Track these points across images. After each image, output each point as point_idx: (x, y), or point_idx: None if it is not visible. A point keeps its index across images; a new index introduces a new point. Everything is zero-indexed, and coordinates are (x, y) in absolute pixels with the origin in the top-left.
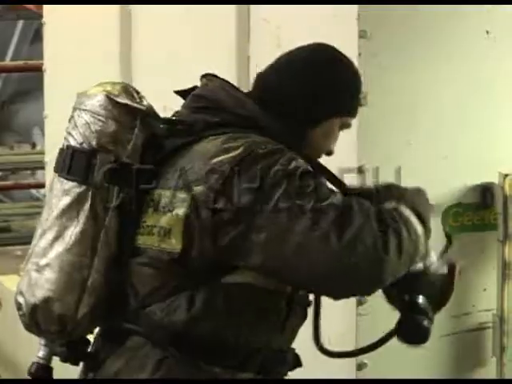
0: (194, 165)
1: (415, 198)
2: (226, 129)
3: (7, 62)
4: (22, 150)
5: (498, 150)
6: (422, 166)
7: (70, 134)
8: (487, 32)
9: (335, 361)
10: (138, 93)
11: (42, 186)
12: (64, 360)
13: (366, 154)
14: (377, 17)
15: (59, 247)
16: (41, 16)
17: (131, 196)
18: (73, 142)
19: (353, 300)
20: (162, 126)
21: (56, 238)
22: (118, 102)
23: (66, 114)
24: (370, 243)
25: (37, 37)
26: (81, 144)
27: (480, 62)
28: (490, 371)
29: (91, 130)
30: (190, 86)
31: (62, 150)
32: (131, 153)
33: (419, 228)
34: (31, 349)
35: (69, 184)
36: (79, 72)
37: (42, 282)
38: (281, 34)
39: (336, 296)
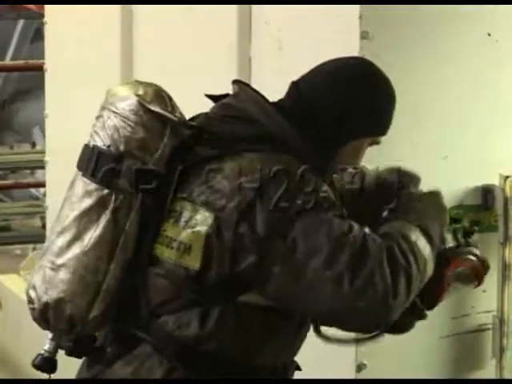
0: (221, 181)
1: (427, 211)
2: (255, 145)
3: (7, 61)
4: (21, 150)
5: (499, 152)
6: (423, 166)
7: (97, 133)
8: (489, 34)
9: (334, 362)
10: (170, 99)
11: (41, 185)
12: (69, 354)
13: (366, 155)
14: (379, 18)
15: (77, 249)
16: (41, 15)
17: (153, 203)
18: (99, 143)
19: None
20: (191, 133)
21: (74, 239)
22: (149, 109)
23: (67, 113)
24: (380, 289)
25: (37, 36)
26: (108, 146)
27: (482, 63)
28: (489, 373)
29: (120, 135)
30: (191, 87)
31: (86, 147)
32: (158, 160)
33: (427, 250)
34: (32, 348)
35: (92, 186)
36: (80, 72)
37: (56, 281)
38: (282, 36)
39: (341, 329)
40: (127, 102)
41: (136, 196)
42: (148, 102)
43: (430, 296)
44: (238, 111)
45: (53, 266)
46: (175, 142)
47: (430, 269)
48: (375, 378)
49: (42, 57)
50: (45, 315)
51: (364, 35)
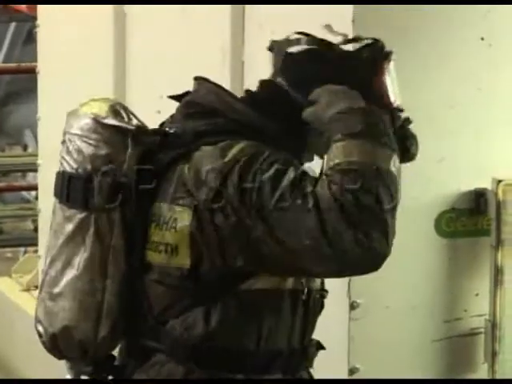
0: (188, 177)
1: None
2: (217, 137)
3: None
4: (13, 153)
5: (492, 156)
6: (416, 169)
7: (64, 158)
8: (482, 38)
9: (326, 364)
10: (125, 110)
11: (33, 188)
12: (91, 377)
13: None
14: (372, 22)
15: (69, 275)
16: (33, 18)
17: (133, 212)
18: (68, 168)
19: (345, 305)
20: (154, 139)
21: (65, 266)
22: (106, 124)
23: (60, 116)
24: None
25: (29, 39)
26: (76, 169)
27: (476, 67)
28: (481, 377)
29: (84, 155)
30: (183, 89)
31: (58, 174)
32: (127, 172)
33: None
34: (27, 350)
35: (70, 211)
36: (73, 74)
37: (57, 310)
38: (276, 38)
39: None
40: (84, 121)
41: (114, 211)
42: (103, 118)
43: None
44: (198, 106)
45: (51, 297)
46: (139, 150)
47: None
48: (370, 379)
49: (34, 59)
50: (55, 346)
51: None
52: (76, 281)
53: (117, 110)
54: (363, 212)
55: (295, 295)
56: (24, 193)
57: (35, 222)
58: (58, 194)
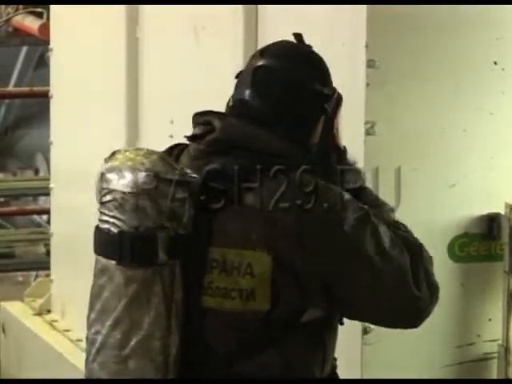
0: (253, 219)
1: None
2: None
3: (11, 88)
4: (24, 176)
5: (505, 180)
6: (428, 194)
7: (117, 218)
8: (495, 63)
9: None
10: (171, 158)
11: (45, 212)
12: None
13: (370, 183)
14: (385, 46)
15: (139, 335)
16: (45, 42)
17: (191, 262)
18: (126, 228)
19: (358, 329)
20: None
21: (133, 327)
22: (167, 179)
23: (72, 140)
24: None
25: (40, 63)
26: (137, 228)
27: (488, 92)
28: None
29: (146, 212)
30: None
31: (107, 234)
32: (186, 224)
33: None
34: (35, 374)
35: (132, 271)
36: (85, 99)
37: (127, 372)
38: None
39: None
40: (141, 178)
41: (175, 263)
42: (163, 173)
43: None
44: (228, 144)
45: (118, 360)
46: (193, 200)
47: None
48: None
49: (45, 83)
50: None
51: (370, 64)
52: (147, 340)
53: (169, 162)
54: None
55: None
56: (35, 217)
57: (47, 245)
58: (117, 254)
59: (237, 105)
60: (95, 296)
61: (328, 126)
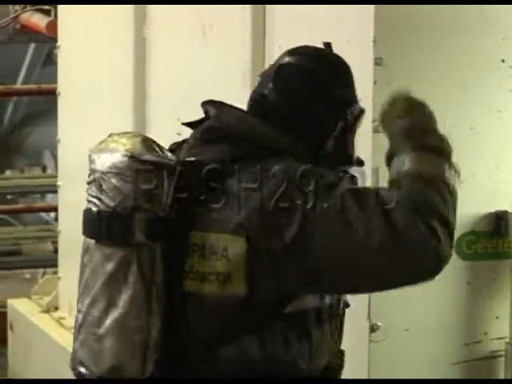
0: (233, 205)
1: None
2: (253, 162)
3: (19, 85)
4: (32, 174)
5: None
6: None
7: (97, 197)
8: (503, 60)
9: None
10: (157, 144)
11: (52, 209)
12: None
13: (381, 180)
14: (393, 44)
15: (115, 314)
16: (52, 39)
17: (172, 245)
18: (103, 207)
19: (366, 327)
20: (184, 169)
21: (109, 305)
22: (144, 160)
23: (79, 138)
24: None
25: (48, 60)
26: (114, 208)
27: (496, 89)
28: None
29: (123, 193)
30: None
31: (89, 213)
32: (165, 206)
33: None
34: (42, 371)
35: (110, 249)
36: (93, 97)
37: (104, 350)
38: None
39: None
40: (118, 158)
41: (155, 246)
42: (140, 154)
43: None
44: (223, 132)
45: (95, 338)
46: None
47: (450, 180)
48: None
49: (53, 81)
50: None
51: (378, 61)
52: (122, 319)
53: (150, 144)
54: (429, 207)
55: (331, 310)
56: (43, 214)
57: (55, 243)
58: (96, 233)
59: (254, 98)
60: (80, 276)
61: (344, 134)
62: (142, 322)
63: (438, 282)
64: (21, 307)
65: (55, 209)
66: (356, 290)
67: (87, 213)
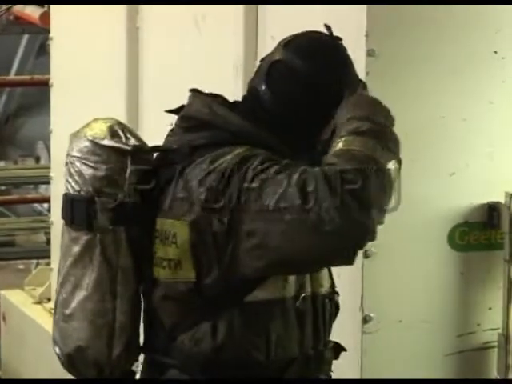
0: (182, 191)
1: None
2: (212, 150)
3: (12, 76)
4: (25, 165)
5: (505, 169)
6: (429, 182)
7: (67, 181)
8: (495, 52)
9: (340, 378)
10: (124, 129)
11: (46, 200)
12: None
13: None
14: (385, 35)
15: (79, 296)
16: (46, 31)
17: (138, 231)
18: (71, 190)
19: (358, 318)
20: (151, 156)
21: (75, 287)
22: (104, 146)
23: (72, 129)
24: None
25: (41, 51)
26: (79, 191)
27: (488, 81)
28: None
29: (85, 177)
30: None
31: (63, 196)
32: (128, 191)
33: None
34: (36, 363)
35: (76, 233)
36: (86, 87)
37: (70, 331)
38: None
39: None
40: (83, 143)
41: (119, 231)
42: (101, 139)
43: None
44: (194, 120)
45: (64, 318)
46: (139, 169)
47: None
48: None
49: (46, 72)
50: (72, 365)
51: (370, 53)
52: (86, 301)
53: (115, 130)
54: (348, 188)
55: (300, 302)
56: (36, 205)
57: (48, 234)
58: (63, 216)
59: (249, 94)
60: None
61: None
62: (106, 305)
63: (430, 273)
64: (13, 298)
65: (48, 200)
66: (290, 270)
67: (62, 195)
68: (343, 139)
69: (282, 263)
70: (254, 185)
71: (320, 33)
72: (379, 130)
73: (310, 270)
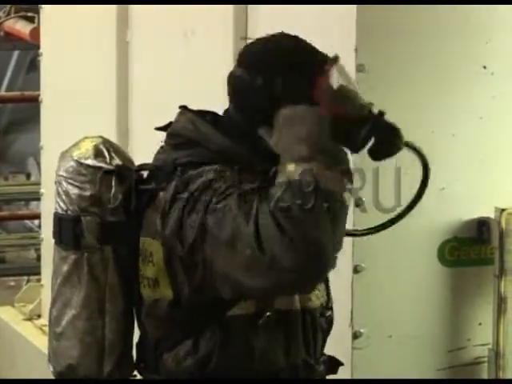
0: (157, 212)
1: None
2: (193, 168)
3: (3, 92)
4: (16, 181)
5: (494, 184)
6: None
7: (56, 201)
8: (484, 67)
9: None
10: (109, 149)
11: (36, 216)
12: None
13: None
14: (374, 51)
15: (69, 314)
16: (36, 47)
17: (125, 249)
18: (59, 210)
19: (348, 334)
20: (136, 175)
21: (65, 306)
22: (88, 165)
23: (63, 145)
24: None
25: (32, 67)
26: (66, 211)
27: (478, 96)
28: None
29: (71, 197)
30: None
31: (53, 215)
32: (114, 210)
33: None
34: (26, 378)
35: (64, 252)
36: (76, 103)
37: (61, 349)
38: None
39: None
40: (68, 163)
41: (106, 249)
42: (85, 159)
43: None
44: (179, 137)
45: (55, 336)
46: (124, 188)
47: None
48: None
49: (37, 88)
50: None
51: (360, 68)
52: (75, 320)
53: (100, 149)
54: (294, 222)
55: (285, 316)
56: (27, 221)
57: (38, 250)
58: (53, 235)
59: (225, 111)
60: None
61: None
62: (95, 323)
63: (421, 288)
64: (4, 315)
65: (39, 216)
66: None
67: (53, 215)
68: (286, 166)
69: (244, 293)
70: (213, 216)
71: (274, 38)
72: (320, 150)
73: (271, 299)
